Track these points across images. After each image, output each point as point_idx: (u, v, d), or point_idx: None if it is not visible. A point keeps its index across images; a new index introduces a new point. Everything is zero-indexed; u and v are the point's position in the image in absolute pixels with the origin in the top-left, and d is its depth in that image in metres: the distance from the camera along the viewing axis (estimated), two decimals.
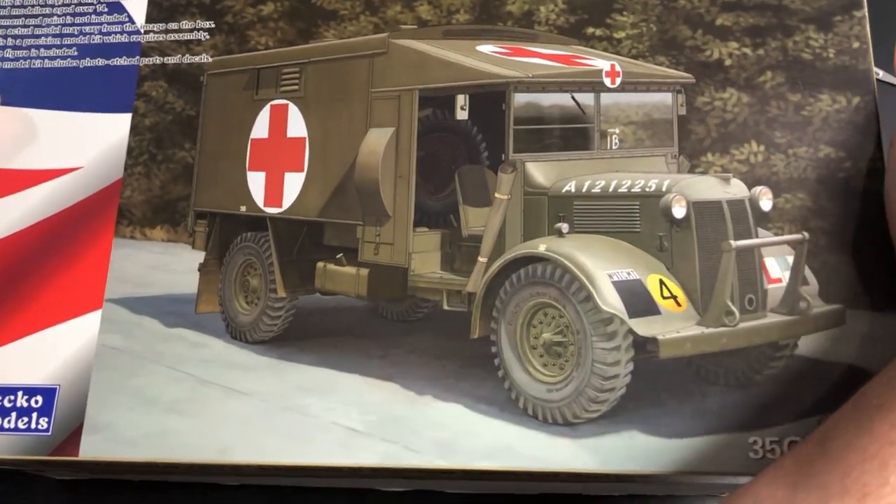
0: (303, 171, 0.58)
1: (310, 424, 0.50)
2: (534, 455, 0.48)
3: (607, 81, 0.56)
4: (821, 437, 0.38)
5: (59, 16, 0.63)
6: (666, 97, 0.57)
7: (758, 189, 0.52)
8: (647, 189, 0.54)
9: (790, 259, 0.52)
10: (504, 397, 0.51)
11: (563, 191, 0.55)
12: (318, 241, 0.58)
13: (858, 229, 0.51)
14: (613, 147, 0.57)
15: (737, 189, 0.53)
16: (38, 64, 0.63)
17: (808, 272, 0.51)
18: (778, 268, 0.52)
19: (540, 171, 0.56)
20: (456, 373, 0.51)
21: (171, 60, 0.62)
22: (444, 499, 0.60)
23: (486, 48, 0.58)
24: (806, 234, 0.51)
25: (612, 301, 0.50)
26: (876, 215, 0.50)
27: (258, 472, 0.48)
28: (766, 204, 0.52)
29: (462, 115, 0.55)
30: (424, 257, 0.55)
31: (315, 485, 0.61)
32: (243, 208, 0.59)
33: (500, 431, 0.49)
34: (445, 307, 0.53)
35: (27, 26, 0.64)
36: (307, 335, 0.54)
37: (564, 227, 0.53)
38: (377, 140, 0.57)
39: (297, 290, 0.56)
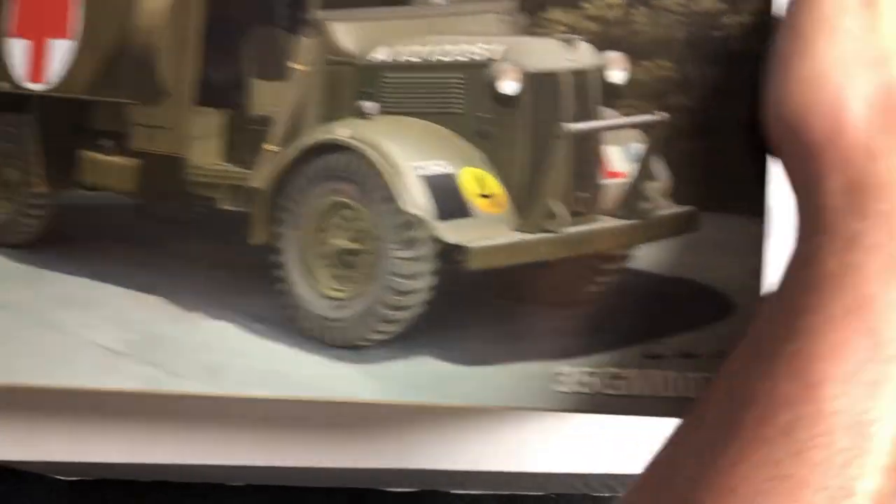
0: (71, 37, 0.47)
1: (67, 343, 0.43)
2: (312, 383, 0.41)
3: None
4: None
5: None
6: None
7: (610, 55, 0.41)
8: (474, 57, 0.42)
9: (637, 148, 0.41)
10: (284, 315, 0.43)
11: (374, 60, 0.44)
12: (89, 125, 0.48)
13: (731, 108, 0.39)
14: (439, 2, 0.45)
15: (582, 55, 0.41)
16: None
17: (660, 165, 0.40)
18: (621, 158, 0.41)
19: (349, 33, 0.45)
20: (230, 286, 0.43)
21: None
22: (447, 499, 0.55)
23: None
24: (664, 114, 0.40)
25: (416, 200, 0.41)
26: (755, 91, 0.38)
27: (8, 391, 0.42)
28: (618, 75, 0.41)
29: None
30: (205, 144, 0.46)
31: (307, 484, 0.56)
32: (6, 85, 0.49)
33: (276, 355, 0.42)
34: (226, 206, 0.44)
35: None
36: (70, 239, 0.46)
37: (370, 106, 0.43)
38: None
39: (62, 185, 0.47)
